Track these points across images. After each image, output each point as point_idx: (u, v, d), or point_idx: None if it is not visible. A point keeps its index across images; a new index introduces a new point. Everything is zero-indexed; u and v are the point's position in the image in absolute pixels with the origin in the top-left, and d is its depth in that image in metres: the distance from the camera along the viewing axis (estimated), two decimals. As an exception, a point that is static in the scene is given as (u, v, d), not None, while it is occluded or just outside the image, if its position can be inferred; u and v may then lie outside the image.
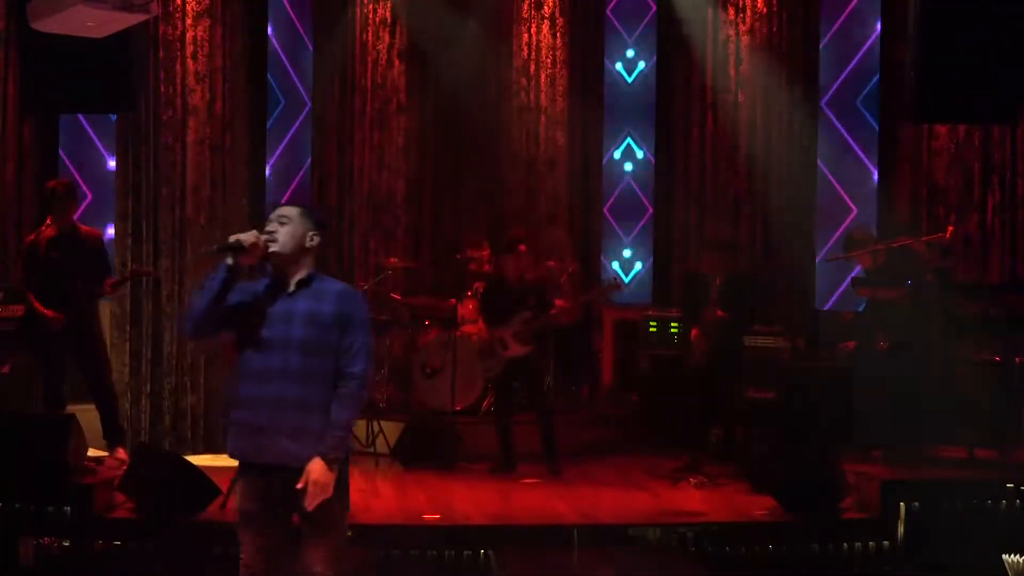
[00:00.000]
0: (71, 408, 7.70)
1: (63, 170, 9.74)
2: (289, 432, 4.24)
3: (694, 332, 8.23)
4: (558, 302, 8.41)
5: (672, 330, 9.43)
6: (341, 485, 4.30)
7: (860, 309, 8.92)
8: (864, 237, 8.37)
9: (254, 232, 4.32)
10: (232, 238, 4.29)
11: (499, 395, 8.61)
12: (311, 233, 4.38)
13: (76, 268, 7.64)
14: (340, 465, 4.27)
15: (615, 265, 11.26)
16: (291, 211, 4.39)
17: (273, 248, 4.32)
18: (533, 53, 10.52)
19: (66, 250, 7.66)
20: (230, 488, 6.53)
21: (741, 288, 8.30)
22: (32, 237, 7.83)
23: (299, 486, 4.17)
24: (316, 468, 4.18)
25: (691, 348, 8.28)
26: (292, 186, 10.65)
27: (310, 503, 4.17)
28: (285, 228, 4.34)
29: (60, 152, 9.82)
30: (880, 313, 8.15)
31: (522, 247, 8.38)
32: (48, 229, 7.72)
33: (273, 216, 4.39)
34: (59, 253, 7.65)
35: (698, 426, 8.38)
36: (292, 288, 4.35)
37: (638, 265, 11.32)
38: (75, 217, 7.90)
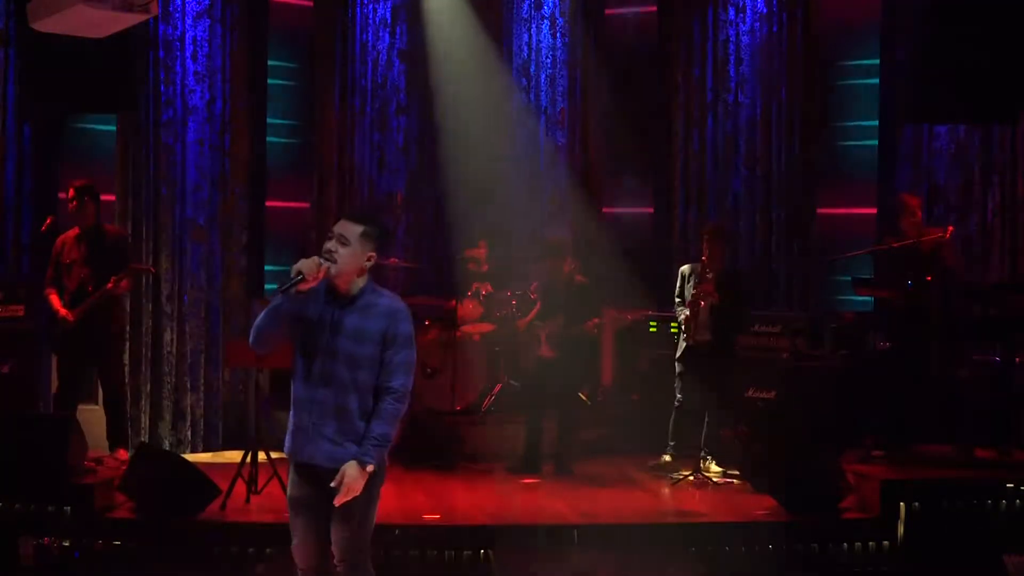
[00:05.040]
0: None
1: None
2: (328, 435, 4.45)
3: (685, 316, 8.14)
4: (594, 320, 8.37)
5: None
6: (369, 486, 4.48)
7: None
8: None
9: (315, 259, 4.41)
10: (294, 269, 4.38)
11: (532, 393, 8.60)
12: (369, 254, 4.50)
13: (97, 268, 7.64)
14: (374, 471, 4.46)
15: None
16: (352, 231, 4.47)
17: (332, 271, 4.44)
18: (533, 53, 10.52)
19: (88, 250, 7.67)
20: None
21: (733, 280, 8.29)
22: (61, 238, 7.82)
23: (333, 484, 4.37)
24: (351, 469, 4.38)
25: (687, 329, 8.13)
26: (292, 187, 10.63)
27: (338, 500, 4.39)
28: (345, 250, 4.45)
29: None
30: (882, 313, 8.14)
31: (569, 255, 8.50)
32: (73, 229, 7.76)
33: (335, 232, 4.49)
34: (80, 253, 7.67)
35: (699, 425, 8.37)
36: (345, 301, 4.49)
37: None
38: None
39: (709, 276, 8.09)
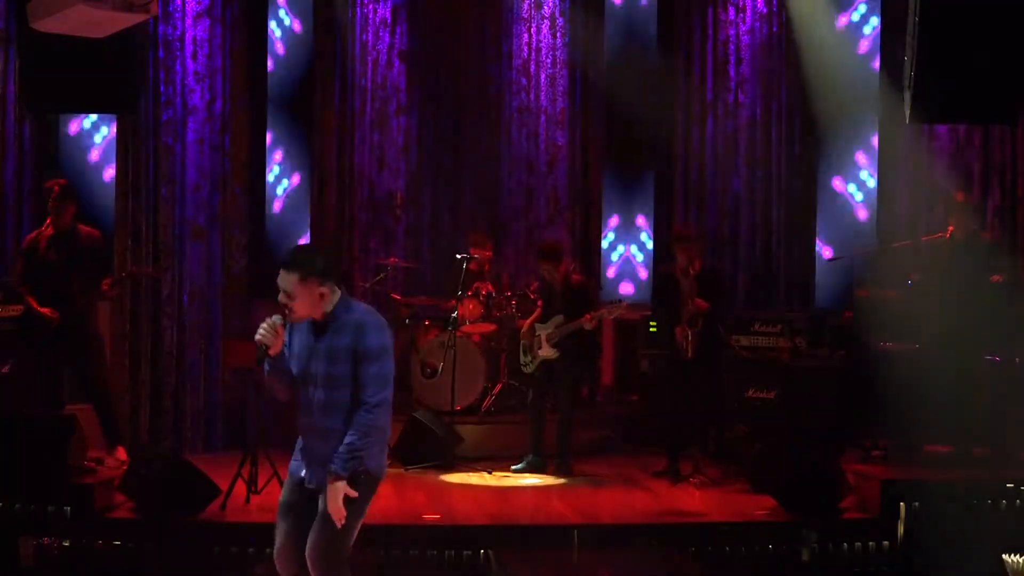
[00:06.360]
0: (71, 408, 7.71)
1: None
2: (318, 461, 4.55)
3: (678, 330, 8.09)
4: (588, 315, 8.36)
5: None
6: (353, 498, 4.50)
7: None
8: None
9: (269, 323, 4.45)
10: (257, 339, 4.46)
11: (536, 392, 8.58)
12: (320, 291, 4.48)
13: (73, 268, 7.65)
14: (354, 480, 4.48)
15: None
16: (289, 282, 4.47)
17: (292, 320, 4.52)
18: (533, 53, 10.52)
19: (63, 250, 7.68)
20: None
21: (714, 278, 8.27)
22: (32, 236, 7.85)
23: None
24: (328, 488, 4.46)
25: (678, 346, 8.05)
26: (291, 186, 10.65)
27: (335, 518, 4.45)
28: (295, 301, 4.47)
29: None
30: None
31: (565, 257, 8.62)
32: (48, 229, 7.74)
33: (279, 281, 4.48)
34: (56, 253, 7.67)
35: (699, 425, 8.37)
36: (321, 327, 4.56)
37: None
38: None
39: (688, 292, 7.97)
